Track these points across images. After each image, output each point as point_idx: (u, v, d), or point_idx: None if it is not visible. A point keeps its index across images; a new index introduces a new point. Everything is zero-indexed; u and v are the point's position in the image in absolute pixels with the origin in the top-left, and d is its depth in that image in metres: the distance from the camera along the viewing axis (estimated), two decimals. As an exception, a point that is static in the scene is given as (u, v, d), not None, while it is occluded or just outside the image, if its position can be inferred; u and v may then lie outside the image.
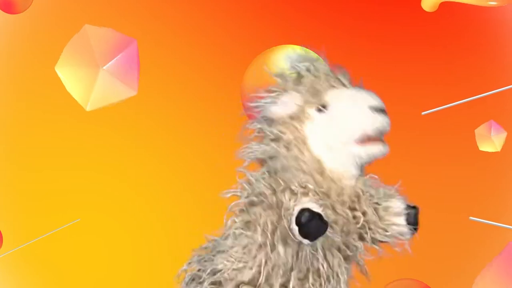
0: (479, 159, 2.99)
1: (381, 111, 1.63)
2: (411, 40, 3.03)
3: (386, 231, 1.70)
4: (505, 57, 3.11)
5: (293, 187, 1.60)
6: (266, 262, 1.65)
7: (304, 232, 1.54)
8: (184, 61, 3.00)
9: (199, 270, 1.81)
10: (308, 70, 1.71)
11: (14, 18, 2.86)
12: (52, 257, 2.89)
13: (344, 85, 1.70)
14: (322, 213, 1.55)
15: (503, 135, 2.95)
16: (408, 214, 1.74)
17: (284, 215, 1.57)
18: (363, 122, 1.62)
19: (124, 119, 2.91)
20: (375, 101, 1.63)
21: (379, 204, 1.71)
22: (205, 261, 1.79)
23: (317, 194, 1.61)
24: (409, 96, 2.99)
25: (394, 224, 1.71)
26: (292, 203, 1.57)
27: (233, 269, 1.71)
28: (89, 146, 2.95)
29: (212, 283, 1.75)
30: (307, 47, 1.86)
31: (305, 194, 1.60)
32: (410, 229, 1.75)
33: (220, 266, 1.74)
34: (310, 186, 1.61)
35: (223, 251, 1.75)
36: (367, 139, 1.63)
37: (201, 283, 1.77)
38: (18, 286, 2.92)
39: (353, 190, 1.68)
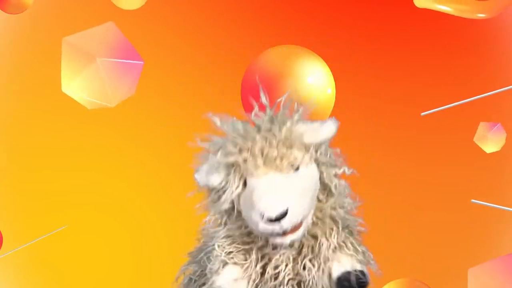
0: (479, 159, 2.99)
1: (274, 220, 1.64)
2: (410, 40, 3.03)
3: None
4: (505, 57, 3.11)
5: (215, 253, 1.72)
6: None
7: None
8: (184, 61, 3.00)
9: (195, 271, 1.84)
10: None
11: (14, 18, 2.86)
12: (52, 257, 2.89)
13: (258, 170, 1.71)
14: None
15: (503, 135, 2.95)
16: (340, 279, 1.71)
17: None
18: (261, 229, 1.66)
19: (124, 119, 2.91)
20: (268, 211, 1.63)
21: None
22: (199, 261, 1.83)
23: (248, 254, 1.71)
24: (409, 96, 3.00)
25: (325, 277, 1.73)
26: (213, 274, 1.70)
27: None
28: (89, 146, 2.95)
29: (203, 284, 1.79)
30: (306, 47, 1.86)
31: (225, 263, 1.71)
32: None
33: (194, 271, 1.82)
34: (235, 260, 1.70)
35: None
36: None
37: (196, 283, 1.81)
38: (18, 286, 2.92)
39: (298, 242, 1.73)
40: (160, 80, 2.96)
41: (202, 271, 1.81)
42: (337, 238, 1.73)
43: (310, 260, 1.72)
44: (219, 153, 1.75)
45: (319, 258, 1.72)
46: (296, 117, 1.71)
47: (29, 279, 2.92)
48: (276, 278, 1.72)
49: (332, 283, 1.71)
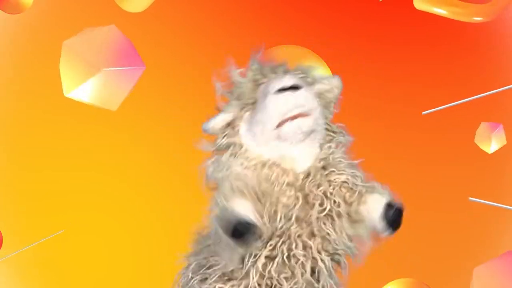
0: (479, 159, 2.99)
1: (288, 88, 1.69)
2: (410, 40, 3.03)
3: (357, 223, 1.71)
4: (505, 57, 3.11)
5: (225, 190, 1.69)
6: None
7: (239, 243, 1.62)
8: (184, 61, 3.00)
9: (193, 268, 1.84)
10: (238, 75, 1.77)
11: (14, 18, 2.86)
12: (52, 257, 2.89)
13: (268, 77, 1.74)
14: (250, 220, 1.62)
15: (503, 135, 2.95)
16: (386, 213, 1.71)
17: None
18: (271, 110, 1.69)
19: (124, 119, 2.91)
20: (281, 82, 1.70)
21: (357, 190, 1.72)
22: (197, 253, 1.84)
23: (259, 189, 1.67)
24: (409, 96, 2.99)
25: (367, 220, 1.71)
26: (227, 206, 1.65)
27: (215, 263, 1.76)
28: (89, 147, 2.95)
29: (200, 280, 1.78)
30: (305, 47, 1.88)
31: (241, 194, 1.67)
32: (386, 228, 1.72)
33: (204, 262, 1.79)
34: (243, 188, 1.67)
35: (206, 246, 1.80)
36: (286, 120, 1.68)
37: (189, 280, 1.81)
38: (19, 287, 2.92)
39: (312, 170, 1.71)
40: (160, 80, 2.96)
41: (200, 264, 1.81)
42: (359, 180, 1.74)
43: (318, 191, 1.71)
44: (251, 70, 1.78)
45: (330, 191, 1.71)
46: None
47: (29, 279, 2.92)
48: (288, 219, 1.69)
49: (376, 215, 1.70)
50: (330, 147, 1.76)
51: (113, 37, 2.44)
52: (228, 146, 1.76)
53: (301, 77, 1.75)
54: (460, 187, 2.98)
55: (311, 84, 1.76)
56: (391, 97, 2.98)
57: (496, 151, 2.96)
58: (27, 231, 2.91)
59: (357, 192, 1.73)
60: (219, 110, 1.80)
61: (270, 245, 1.68)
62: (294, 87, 1.68)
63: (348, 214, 1.72)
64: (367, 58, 2.97)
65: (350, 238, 1.73)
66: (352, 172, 1.75)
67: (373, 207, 1.72)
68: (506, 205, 2.95)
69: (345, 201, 1.72)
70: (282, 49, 2.36)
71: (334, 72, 2.41)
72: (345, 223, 1.72)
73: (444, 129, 3.01)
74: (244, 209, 1.64)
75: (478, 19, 2.85)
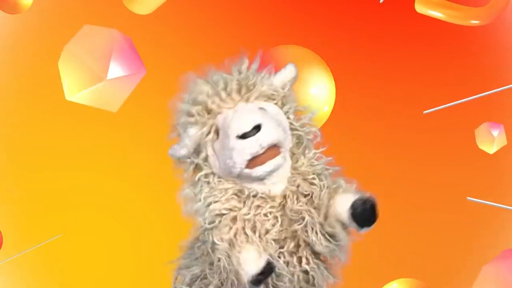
0: (478, 159, 2.99)
1: (249, 133, 1.68)
2: (411, 41, 3.03)
3: (332, 225, 1.72)
4: (506, 57, 3.11)
5: (220, 237, 1.73)
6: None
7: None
8: (184, 61, 3.00)
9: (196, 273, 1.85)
10: (191, 106, 1.76)
11: (14, 18, 2.86)
12: (52, 257, 2.89)
13: (224, 107, 1.76)
14: (271, 261, 1.67)
15: (504, 135, 2.95)
16: (354, 210, 1.71)
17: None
18: (237, 157, 1.69)
19: (124, 119, 2.90)
20: (239, 127, 1.69)
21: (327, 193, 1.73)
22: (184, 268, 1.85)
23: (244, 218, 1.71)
24: (409, 96, 2.99)
25: (339, 219, 1.72)
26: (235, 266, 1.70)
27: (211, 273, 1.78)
28: (89, 147, 2.95)
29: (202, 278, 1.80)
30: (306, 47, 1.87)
31: (243, 235, 1.72)
32: (358, 226, 1.72)
33: (199, 273, 1.83)
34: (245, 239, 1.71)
35: (200, 256, 1.83)
36: (256, 160, 1.69)
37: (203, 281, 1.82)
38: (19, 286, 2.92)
39: (288, 192, 1.74)
40: (160, 80, 2.95)
41: (195, 275, 1.82)
42: (326, 185, 1.75)
43: (297, 206, 1.72)
44: (186, 101, 1.76)
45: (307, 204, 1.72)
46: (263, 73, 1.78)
47: (30, 280, 2.92)
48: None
49: (344, 212, 1.71)
50: (297, 159, 1.76)
51: (114, 38, 2.44)
52: (199, 176, 1.78)
53: (255, 96, 1.73)
54: (461, 187, 2.98)
55: (265, 94, 1.75)
56: (391, 97, 2.98)
57: (496, 151, 2.96)
58: (27, 231, 2.91)
59: (326, 197, 1.73)
60: (179, 134, 1.84)
61: None
62: (255, 128, 1.67)
63: (323, 218, 1.73)
64: (367, 58, 2.97)
65: (331, 239, 1.74)
66: (322, 179, 1.75)
67: (341, 207, 1.73)
68: (506, 204, 2.95)
69: (319, 207, 1.73)
70: (283, 49, 2.35)
71: (334, 72, 2.41)
72: (323, 226, 1.73)
73: (444, 130, 3.01)
74: (250, 258, 1.69)
75: (475, 22, 2.86)
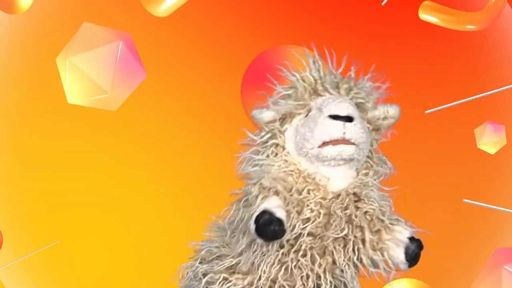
0: (480, 159, 2.99)
1: (341, 118, 1.69)
2: (411, 41, 3.03)
3: (380, 253, 1.72)
4: (507, 57, 3.11)
5: (264, 183, 1.70)
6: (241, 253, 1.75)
7: (259, 232, 1.64)
8: (184, 61, 3.00)
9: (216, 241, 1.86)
10: (299, 79, 1.77)
11: (14, 18, 2.86)
12: (52, 257, 2.89)
13: (329, 92, 1.74)
14: (283, 219, 1.64)
15: (504, 136, 2.95)
16: (408, 248, 1.74)
17: (250, 211, 1.68)
18: (318, 133, 1.70)
19: (124, 119, 2.91)
20: (336, 109, 1.70)
21: (382, 222, 1.73)
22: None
23: (290, 195, 1.70)
24: (409, 96, 2.99)
25: (391, 251, 1.72)
26: (259, 200, 1.68)
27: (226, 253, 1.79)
28: (89, 147, 2.94)
29: (206, 268, 1.80)
30: (309, 48, 1.87)
31: (276, 193, 1.70)
32: (405, 263, 1.74)
33: (215, 250, 1.81)
34: (280, 188, 1.70)
35: (220, 236, 1.82)
36: (329, 143, 1.69)
37: (195, 266, 1.83)
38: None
39: (343, 193, 1.72)
40: (160, 80, 2.95)
41: (211, 251, 1.82)
42: (386, 211, 1.75)
43: (342, 212, 1.72)
44: (298, 75, 1.77)
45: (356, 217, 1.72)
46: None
47: (30, 280, 2.92)
48: (303, 228, 1.70)
49: (398, 247, 1.72)
50: (367, 174, 1.77)
51: (114, 38, 2.44)
52: (271, 144, 1.77)
53: (360, 102, 1.76)
54: (461, 187, 2.99)
55: (367, 110, 1.77)
56: (391, 96, 2.98)
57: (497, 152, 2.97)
58: (27, 231, 2.91)
59: (381, 223, 1.74)
60: (273, 103, 1.78)
61: (282, 251, 1.70)
62: (348, 117, 1.69)
63: (370, 243, 1.73)
64: (368, 58, 2.96)
65: (357, 270, 1.75)
66: (381, 204, 1.76)
67: (396, 240, 1.74)
68: (503, 204, 2.95)
69: (368, 230, 1.74)
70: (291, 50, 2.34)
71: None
72: (363, 251, 1.73)
73: (444, 130, 3.01)
74: (275, 204, 1.67)
75: (470, 27, 2.87)
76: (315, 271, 1.71)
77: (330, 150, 1.69)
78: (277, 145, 1.76)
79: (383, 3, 2.87)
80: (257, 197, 1.69)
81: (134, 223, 2.94)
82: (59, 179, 2.94)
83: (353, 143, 1.69)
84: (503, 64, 3.10)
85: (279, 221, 1.63)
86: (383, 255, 1.73)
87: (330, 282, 1.72)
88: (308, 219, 1.69)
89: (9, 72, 2.95)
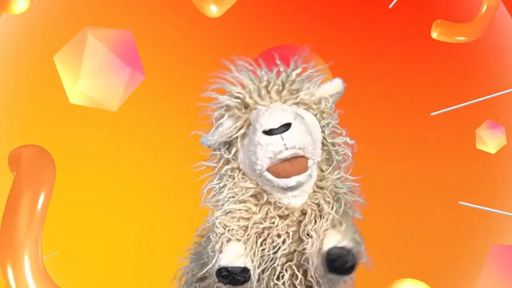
0: (480, 159, 3.00)
1: (276, 130, 1.66)
2: (412, 41, 3.03)
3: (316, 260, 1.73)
4: (508, 59, 3.12)
5: (217, 231, 1.73)
6: None
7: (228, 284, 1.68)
8: (184, 61, 3.00)
9: (193, 266, 1.86)
10: (230, 98, 1.78)
11: (14, 18, 2.86)
12: (53, 257, 2.89)
13: (258, 103, 1.75)
14: (245, 266, 1.68)
15: (503, 135, 2.96)
16: (327, 257, 1.70)
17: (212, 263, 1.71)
18: (260, 153, 1.68)
19: (124, 119, 2.91)
20: (268, 123, 1.68)
21: (333, 226, 1.74)
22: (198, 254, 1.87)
23: (247, 234, 1.71)
24: (409, 96, 3.00)
25: (315, 258, 1.72)
26: (217, 252, 1.71)
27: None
28: (89, 147, 2.95)
29: (200, 279, 1.81)
30: (309, 47, 1.87)
31: (232, 237, 1.72)
32: (328, 272, 1.71)
33: (206, 263, 1.82)
34: (235, 232, 1.72)
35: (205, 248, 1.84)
36: (278, 167, 1.68)
37: (189, 278, 1.84)
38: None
39: (309, 210, 1.72)
40: (160, 80, 2.96)
41: (201, 263, 1.83)
42: (337, 211, 1.72)
43: (312, 229, 1.71)
44: (226, 95, 1.78)
45: (320, 229, 1.71)
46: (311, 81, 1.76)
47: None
48: (274, 253, 1.70)
49: (321, 257, 1.70)
50: (323, 177, 1.76)
51: (115, 38, 2.44)
52: (225, 170, 1.77)
53: (295, 96, 1.71)
54: (461, 187, 2.99)
55: (305, 99, 1.73)
56: (391, 97, 2.99)
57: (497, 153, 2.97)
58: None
59: (330, 223, 1.73)
60: (214, 124, 1.80)
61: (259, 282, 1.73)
62: (284, 126, 1.65)
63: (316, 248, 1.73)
64: (368, 59, 2.97)
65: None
66: (337, 201, 1.74)
67: (325, 243, 1.72)
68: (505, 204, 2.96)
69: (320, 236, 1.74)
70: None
71: (335, 71, 2.41)
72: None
73: (444, 130, 3.02)
74: (233, 253, 1.70)
75: (461, 39, 2.87)
76: (302, 280, 1.72)
77: (283, 183, 1.68)
78: (232, 169, 1.76)
79: (390, 6, 2.87)
80: (214, 247, 1.71)
81: (133, 223, 2.94)
82: (59, 179, 2.94)
83: (305, 167, 1.66)
84: (504, 66, 3.10)
85: (240, 269, 1.66)
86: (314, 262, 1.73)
87: (323, 283, 1.73)
88: (277, 244, 1.71)
89: (9, 72, 2.96)
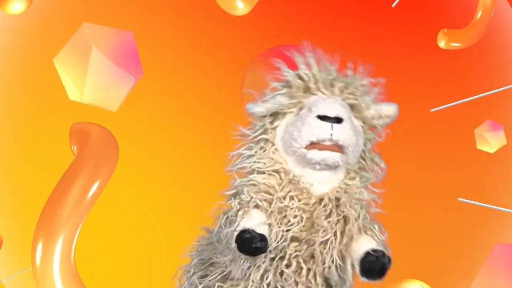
0: (479, 159, 3.00)
1: (329, 119, 1.69)
2: (412, 41, 3.03)
3: (343, 262, 1.73)
4: (508, 57, 3.12)
5: (244, 197, 1.72)
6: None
7: (242, 250, 1.65)
8: (184, 61, 3.00)
9: (195, 263, 1.86)
10: (293, 76, 1.77)
11: (14, 18, 2.87)
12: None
13: (321, 91, 1.76)
14: (265, 234, 1.66)
15: (502, 134, 2.96)
16: (363, 261, 1.69)
17: (228, 233, 1.69)
18: (306, 132, 1.70)
19: (124, 119, 2.91)
20: (325, 109, 1.70)
21: (359, 229, 1.74)
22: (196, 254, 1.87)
23: (271, 206, 1.71)
24: (410, 96, 3.00)
25: (349, 261, 1.72)
26: (239, 216, 1.69)
27: (217, 261, 1.80)
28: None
29: (201, 276, 1.81)
30: (310, 47, 1.88)
31: (256, 206, 1.71)
32: (361, 277, 1.69)
33: (206, 259, 1.82)
34: (260, 202, 1.71)
35: (210, 243, 1.83)
36: (317, 146, 1.69)
37: (190, 276, 1.83)
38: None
39: (326, 198, 1.73)
40: (160, 80, 2.96)
41: (203, 261, 1.83)
42: (361, 216, 1.74)
43: (325, 220, 1.71)
44: (294, 72, 1.78)
45: (333, 224, 1.72)
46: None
47: (31, 279, 2.92)
48: (287, 231, 1.70)
49: (357, 257, 1.70)
50: (353, 178, 1.77)
51: (115, 38, 2.44)
52: (260, 139, 1.78)
53: (353, 102, 1.75)
54: (461, 187, 2.99)
55: (362, 109, 1.77)
56: (391, 97, 2.99)
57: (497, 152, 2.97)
58: (27, 231, 2.91)
59: (356, 228, 1.73)
60: (267, 99, 1.79)
61: (269, 259, 1.71)
62: (337, 118, 1.68)
63: (338, 251, 1.73)
64: (368, 59, 2.97)
65: (341, 270, 1.75)
66: (361, 208, 1.75)
67: (358, 248, 1.72)
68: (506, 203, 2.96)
69: (341, 235, 1.73)
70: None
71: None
72: (337, 254, 1.73)
73: (444, 130, 3.02)
74: (256, 219, 1.68)
75: (455, 45, 2.88)
76: (304, 277, 1.72)
77: (314, 155, 1.69)
78: (266, 140, 1.77)
79: (393, 5, 2.87)
80: (237, 212, 1.70)
81: (133, 222, 2.94)
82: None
83: (340, 148, 1.69)
84: (505, 66, 3.10)
85: (261, 237, 1.64)
86: (345, 264, 1.73)
87: (321, 284, 1.73)
88: (291, 224, 1.71)
89: (9, 72, 2.96)
